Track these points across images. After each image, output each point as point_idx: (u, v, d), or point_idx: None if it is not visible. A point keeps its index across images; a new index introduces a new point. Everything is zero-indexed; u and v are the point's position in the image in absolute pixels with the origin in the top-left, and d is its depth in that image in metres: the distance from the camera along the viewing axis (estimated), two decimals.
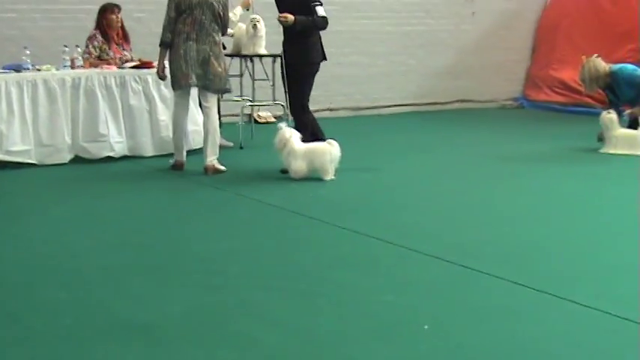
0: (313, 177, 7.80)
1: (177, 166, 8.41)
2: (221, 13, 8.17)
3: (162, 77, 8.40)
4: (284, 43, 8.38)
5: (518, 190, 7.50)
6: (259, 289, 4.71)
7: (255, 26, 9.54)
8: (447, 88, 13.91)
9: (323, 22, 8.18)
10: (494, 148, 9.87)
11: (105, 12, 9.31)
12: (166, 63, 8.28)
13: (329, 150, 7.74)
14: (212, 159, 8.19)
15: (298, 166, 7.78)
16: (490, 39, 14.22)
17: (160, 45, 8.20)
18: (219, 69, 8.17)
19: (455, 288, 4.75)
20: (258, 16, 9.64)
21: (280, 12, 8.16)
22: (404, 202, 7.00)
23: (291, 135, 7.76)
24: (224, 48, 8.64)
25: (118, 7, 9.31)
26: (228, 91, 8.48)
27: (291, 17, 8.02)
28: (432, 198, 7.22)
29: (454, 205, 6.90)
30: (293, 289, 4.66)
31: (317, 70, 8.37)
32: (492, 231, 6.02)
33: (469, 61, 14.05)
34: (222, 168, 8.21)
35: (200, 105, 8.67)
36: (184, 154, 8.50)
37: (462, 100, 14.11)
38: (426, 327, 4.07)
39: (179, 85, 8.19)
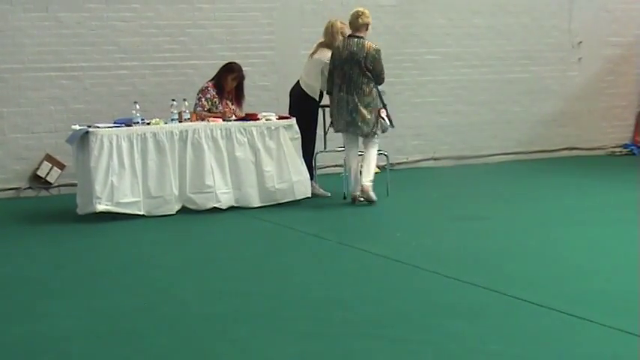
0: (420, 227, 7.73)
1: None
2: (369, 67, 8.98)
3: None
4: None
5: (630, 239, 7.27)
6: (362, 337, 4.69)
7: None
8: (553, 136, 13.65)
9: None
10: (603, 196, 9.62)
11: (226, 70, 9.52)
12: None
13: None
14: (367, 180, 9.09)
15: None
16: (597, 85, 13.94)
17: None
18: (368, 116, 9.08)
19: (563, 338, 4.62)
20: None
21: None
22: (510, 251, 6.87)
23: None
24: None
25: (240, 71, 9.53)
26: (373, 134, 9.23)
27: None
28: (539, 247, 7.07)
29: (562, 254, 6.73)
30: (397, 338, 4.62)
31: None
32: (602, 280, 5.85)
33: (576, 108, 13.80)
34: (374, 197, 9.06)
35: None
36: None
37: (569, 148, 13.83)
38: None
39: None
